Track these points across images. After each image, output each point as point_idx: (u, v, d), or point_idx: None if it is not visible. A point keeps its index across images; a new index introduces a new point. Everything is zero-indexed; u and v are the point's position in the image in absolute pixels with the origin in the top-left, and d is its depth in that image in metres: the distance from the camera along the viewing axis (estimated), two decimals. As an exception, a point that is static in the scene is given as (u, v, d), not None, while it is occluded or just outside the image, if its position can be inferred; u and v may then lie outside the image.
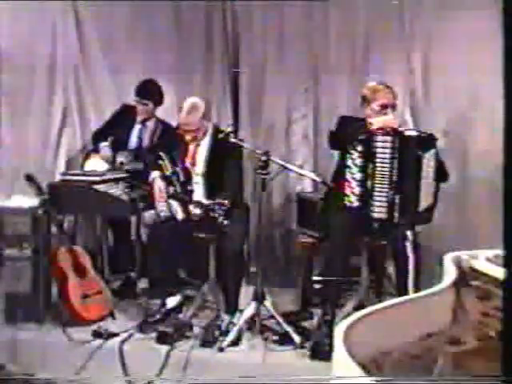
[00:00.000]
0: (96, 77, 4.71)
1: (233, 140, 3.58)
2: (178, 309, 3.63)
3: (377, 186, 3.37)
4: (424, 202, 3.33)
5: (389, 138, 3.34)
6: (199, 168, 3.80)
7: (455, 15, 4.10)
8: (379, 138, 3.36)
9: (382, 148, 3.35)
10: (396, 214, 3.32)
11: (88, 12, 4.62)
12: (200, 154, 3.81)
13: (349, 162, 3.46)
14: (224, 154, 3.69)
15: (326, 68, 4.53)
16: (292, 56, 4.56)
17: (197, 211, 3.55)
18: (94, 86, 4.71)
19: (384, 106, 3.51)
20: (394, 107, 3.53)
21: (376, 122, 3.40)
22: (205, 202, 3.49)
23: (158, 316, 3.52)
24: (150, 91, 4.24)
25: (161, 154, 3.79)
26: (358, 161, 3.42)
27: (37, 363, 3.18)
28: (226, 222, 3.37)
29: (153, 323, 3.45)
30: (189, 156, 3.82)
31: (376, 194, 3.37)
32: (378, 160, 3.36)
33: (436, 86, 4.26)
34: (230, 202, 3.38)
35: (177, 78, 4.72)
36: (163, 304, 3.59)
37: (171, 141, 3.95)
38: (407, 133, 3.35)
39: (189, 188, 3.74)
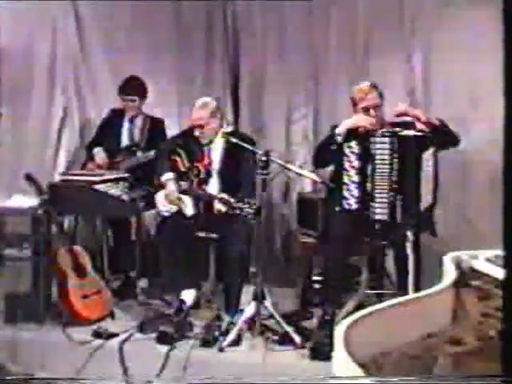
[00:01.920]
0: (96, 77, 4.71)
1: (234, 140, 3.59)
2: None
3: (377, 187, 3.37)
4: (424, 201, 3.33)
5: (387, 140, 3.35)
6: (215, 166, 3.81)
7: (455, 15, 4.10)
8: (377, 139, 3.37)
9: (381, 149, 3.36)
10: (398, 215, 3.32)
11: (88, 12, 4.63)
12: (215, 152, 3.82)
13: (346, 165, 3.47)
14: (239, 154, 3.70)
15: (325, 68, 4.53)
16: (292, 56, 4.56)
17: (222, 208, 3.57)
18: (94, 86, 4.72)
19: (366, 109, 3.55)
20: (376, 108, 3.55)
21: (344, 124, 3.47)
22: (231, 199, 3.48)
23: (182, 315, 3.47)
24: (134, 86, 4.26)
25: (178, 150, 3.81)
26: (356, 163, 3.43)
27: (37, 363, 3.18)
28: (253, 222, 3.39)
29: (176, 323, 3.40)
30: (205, 154, 3.83)
31: (377, 195, 3.37)
32: (377, 162, 3.36)
33: (436, 86, 4.26)
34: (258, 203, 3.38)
35: (177, 78, 4.73)
36: (182, 302, 3.56)
37: (189, 137, 3.95)
38: (405, 133, 3.35)
39: (204, 186, 3.76)
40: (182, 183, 3.73)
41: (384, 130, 3.40)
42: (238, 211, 3.35)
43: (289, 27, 4.56)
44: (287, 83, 4.60)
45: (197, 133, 3.79)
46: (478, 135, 4.12)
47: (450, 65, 4.14)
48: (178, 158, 3.81)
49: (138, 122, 4.35)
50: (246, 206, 3.30)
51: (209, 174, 3.79)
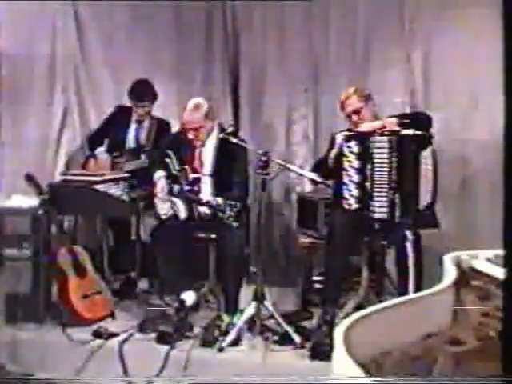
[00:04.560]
0: (96, 77, 4.71)
1: (234, 140, 3.58)
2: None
3: (376, 186, 3.38)
4: (424, 199, 3.34)
5: (386, 139, 3.37)
6: (206, 168, 3.80)
7: (455, 15, 4.10)
8: (376, 138, 3.39)
9: (380, 148, 3.37)
10: (397, 214, 3.33)
11: (88, 12, 4.63)
12: (207, 154, 3.81)
13: (345, 165, 3.47)
14: (230, 154, 3.70)
15: (326, 68, 4.53)
16: (292, 56, 4.56)
17: (207, 211, 3.57)
18: (94, 86, 4.72)
19: (348, 116, 3.65)
20: (356, 113, 3.61)
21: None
22: (215, 202, 3.49)
23: (182, 315, 3.46)
24: (148, 92, 4.23)
25: (168, 152, 3.80)
26: (356, 163, 3.44)
27: (37, 363, 3.18)
28: (235, 224, 3.39)
29: (176, 323, 3.38)
30: (196, 156, 3.82)
31: (376, 194, 3.38)
32: (376, 161, 3.38)
33: (436, 86, 4.26)
34: (240, 205, 3.40)
35: (177, 78, 4.73)
36: (182, 302, 3.56)
37: (179, 139, 3.94)
38: (404, 132, 3.37)
39: (195, 188, 3.75)
40: (174, 186, 3.72)
41: (383, 129, 3.42)
42: (220, 214, 3.36)
43: (289, 27, 4.56)
44: (287, 83, 4.60)
45: (190, 135, 3.76)
46: (478, 135, 4.13)
47: (450, 65, 4.14)
48: (168, 160, 3.79)
49: (146, 124, 4.32)
50: (228, 208, 3.32)
51: (198, 177, 3.78)
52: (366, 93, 3.69)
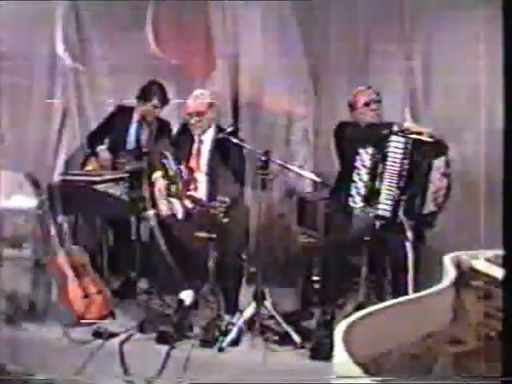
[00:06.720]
0: (96, 77, 4.71)
1: (234, 140, 3.58)
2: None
3: (385, 185, 3.38)
4: (430, 205, 3.34)
5: (402, 139, 3.36)
6: (203, 167, 3.81)
7: (455, 15, 4.10)
8: (393, 138, 3.38)
9: (395, 148, 3.36)
10: (400, 213, 3.33)
11: (88, 12, 4.63)
12: (203, 153, 3.82)
13: (357, 163, 3.46)
14: (227, 154, 3.70)
15: (325, 68, 4.53)
16: (292, 56, 4.56)
17: (189, 205, 3.59)
18: (93, 86, 4.72)
19: (366, 104, 3.67)
20: (376, 102, 3.67)
21: None
22: (206, 198, 3.50)
23: (181, 315, 3.47)
24: (163, 93, 4.22)
25: (165, 152, 3.80)
26: (368, 163, 3.43)
27: (37, 363, 3.18)
28: (225, 220, 3.40)
29: (176, 323, 3.39)
30: (193, 154, 3.83)
31: (383, 192, 3.38)
32: (389, 160, 3.37)
33: (436, 86, 4.27)
34: (230, 200, 3.41)
35: (177, 78, 4.72)
36: (180, 302, 3.56)
37: (177, 139, 3.95)
38: (420, 137, 3.37)
39: (191, 187, 3.75)
40: (172, 186, 3.73)
41: (401, 129, 3.43)
42: (211, 210, 3.38)
43: (289, 27, 4.56)
44: (287, 83, 4.60)
45: (192, 120, 3.77)
46: (477, 135, 4.12)
47: (450, 65, 4.15)
48: (165, 161, 3.80)
49: (147, 124, 4.31)
50: (218, 204, 3.33)
51: (195, 176, 3.79)
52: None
